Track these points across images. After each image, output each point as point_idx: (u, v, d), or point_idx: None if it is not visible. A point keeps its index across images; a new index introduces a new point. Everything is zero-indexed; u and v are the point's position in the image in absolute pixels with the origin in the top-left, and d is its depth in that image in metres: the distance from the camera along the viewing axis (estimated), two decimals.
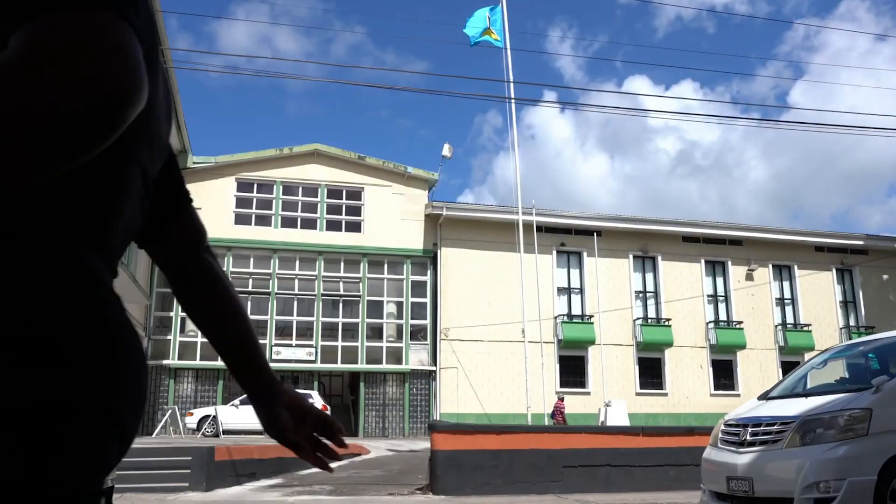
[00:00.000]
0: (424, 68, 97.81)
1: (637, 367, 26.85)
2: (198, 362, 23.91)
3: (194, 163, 25.01)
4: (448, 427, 9.18)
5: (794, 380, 6.62)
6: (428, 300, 26.00)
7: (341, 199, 26.49)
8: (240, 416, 20.68)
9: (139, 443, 11.19)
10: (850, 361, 6.88)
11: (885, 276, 30.35)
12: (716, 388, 27.37)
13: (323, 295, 25.29)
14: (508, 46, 19.77)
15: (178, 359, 23.86)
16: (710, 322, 27.97)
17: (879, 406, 5.22)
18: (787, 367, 28.53)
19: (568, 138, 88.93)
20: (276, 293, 24.96)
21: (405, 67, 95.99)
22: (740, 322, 28.05)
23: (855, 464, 5.06)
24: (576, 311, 26.83)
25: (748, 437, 5.69)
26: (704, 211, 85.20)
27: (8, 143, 0.57)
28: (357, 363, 25.10)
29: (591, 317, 26.37)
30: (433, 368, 25.30)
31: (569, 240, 27.14)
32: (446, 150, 27.36)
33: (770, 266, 29.20)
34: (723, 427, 6.12)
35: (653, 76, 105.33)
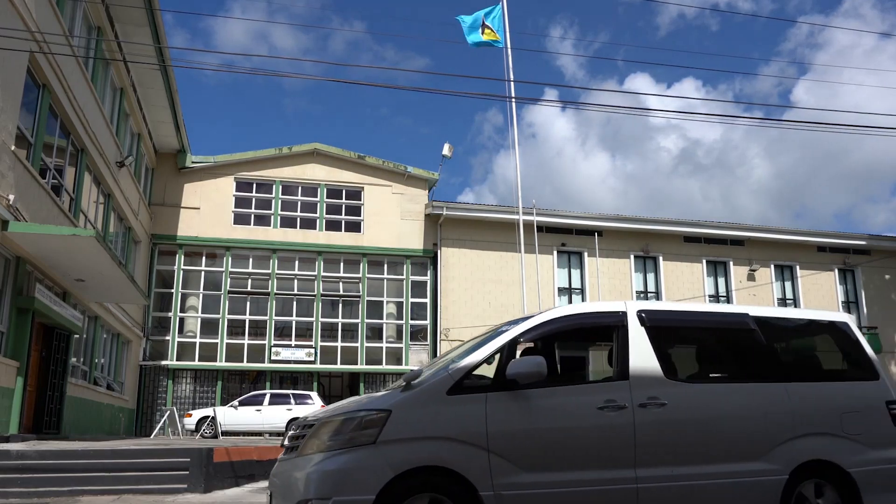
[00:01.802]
0: (424, 65, 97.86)
1: None
2: (196, 363, 23.82)
3: (193, 162, 24.93)
4: None
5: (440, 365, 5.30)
6: (428, 300, 25.91)
7: (341, 198, 26.41)
8: (239, 417, 20.60)
9: (137, 444, 11.08)
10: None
11: (887, 277, 30.28)
12: None
13: (322, 295, 25.20)
14: (509, 45, 19.67)
15: (177, 359, 23.76)
16: None
17: (403, 408, 4.46)
18: None
19: (569, 137, 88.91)
20: (276, 293, 24.87)
21: (405, 64, 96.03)
22: None
23: (347, 479, 4.21)
24: None
25: (294, 443, 4.80)
26: (706, 210, 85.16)
27: None
28: (357, 364, 25.00)
29: None
30: None
31: (569, 240, 27.06)
32: (446, 150, 27.27)
33: (772, 266, 29.13)
34: (292, 429, 4.96)
35: (654, 74, 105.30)
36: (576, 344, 6.08)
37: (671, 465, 4.81)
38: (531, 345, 5.91)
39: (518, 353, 5.38)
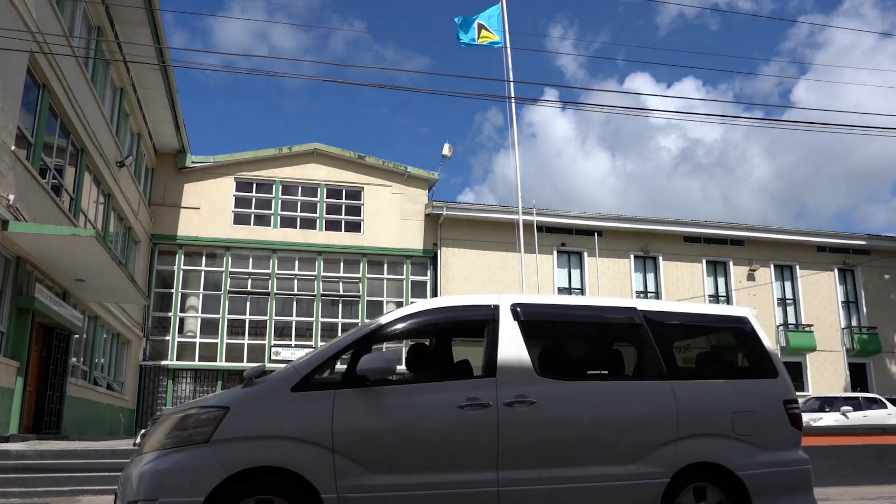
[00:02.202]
0: (424, 65, 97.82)
1: None
2: (196, 363, 23.84)
3: (193, 162, 24.95)
4: None
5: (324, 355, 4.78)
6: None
7: (341, 198, 26.42)
8: None
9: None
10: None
11: (886, 277, 30.29)
12: None
13: (322, 295, 25.21)
14: (509, 45, 19.67)
15: (177, 359, 23.78)
16: None
17: (242, 405, 4.24)
18: (789, 368, 28.15)
19: (569, 137, 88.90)
20: (276, 293, 24.88)
21: (405, 64, 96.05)
22: None
23: (176, 480, 3.97)
24: None
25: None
26: (706, 210, 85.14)
27: None
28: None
29: None
30: None
31: (569, 240, 27.07)
32: (446, 150, 27.28)
33: (771, 266, 29.14)
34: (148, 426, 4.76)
35: (655, 74, 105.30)
36: (448, 339, 5.75)
37: (538, 468, 4.56)
38: (425, 341, 5.76)
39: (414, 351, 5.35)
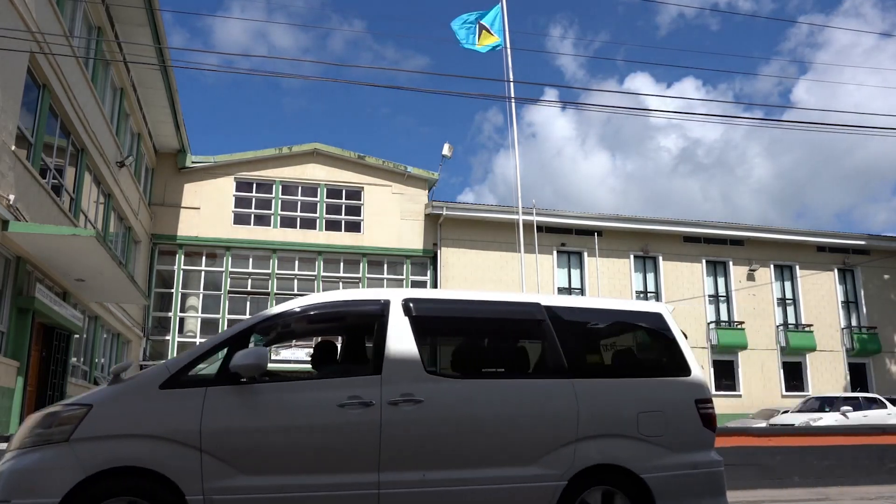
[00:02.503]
0: (424, 64, 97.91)
1: None
2: None
3: (193, 162, 24.96)
4: None
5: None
6: None
7: (341, 198, 26.43)
8: None
9: None
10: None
11: (886, 277, 30.30)
12: (717, 388, 27.27)
13: None
14: (509, 45, 19.66)
15: None
16: (712, 322, 27.90)
17: (106, 403, 4.08)
18: (789, 368, 28.50)
19: (569, 136, 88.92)
20: (276, 293, 24.88)
21: (405, 63, 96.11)
22: (741, 322, 27.98)
23: (32, 480, 3.82)
24: None
25: None
26: (706, 210, 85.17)
27: None
28: None
29: None
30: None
31: (569, 240, 27.08)
32: (446, 150, 27.29)
33: (771, 266, 29.15)
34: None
35: (655, 74, 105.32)
36: (339, 334, 5.46)
37: (423, 470, 4.35)
38: (340, 338, 5.52)
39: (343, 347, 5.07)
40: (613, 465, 4.70)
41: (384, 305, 4.77)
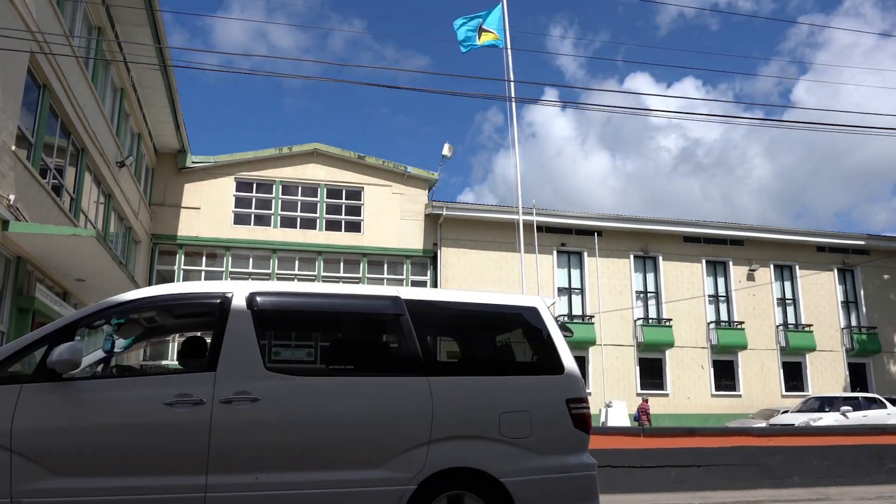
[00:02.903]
0: (425, 64, 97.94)
1: (638, 368, 26.79)
2: None
3: (193, 162, 24.96)
4: None
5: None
6: None
7: (341, 198, 26.44)
8: None
9: None
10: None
11: (886, 276, 30.30)
12: (717, 388, 27.31)
13: None
14: (509, 45, 19.66)
15: (177, 360, 23.80)
16: (711, 322, 27.91)
17: None
18: (789, 368, 28.51)
19: (569, 136, 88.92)
20: None
21: (405, 63, 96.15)
22: (741, 322, 27.99)
23: None
24: (576, 311, 26.77)
25: None
26: (706, 210, 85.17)
27: None
28: None
29: (591, 317, 26.32)
30: None
31: (569, 240, 27.09)
32: (446, 150, 27.30)
33: (771, 266, 29.16)
34: None
35: (655, 74, 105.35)
36: (181, 330, 5.22)
37: (257, 472, 4.13)
38: (198, 334, 5.26)
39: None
40: (470, 468, 4.45)
41: (226, 299, 4.53)
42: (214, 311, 4.54)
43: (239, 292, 4.58)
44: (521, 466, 4.52)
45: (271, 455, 4.19)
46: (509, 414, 4.61)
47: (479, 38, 19.51)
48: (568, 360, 5.00)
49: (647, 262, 28.08)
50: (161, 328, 5.45)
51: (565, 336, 5.20)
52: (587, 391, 25.68)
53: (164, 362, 23.04)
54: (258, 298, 4.58)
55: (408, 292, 4.96)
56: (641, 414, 22.82)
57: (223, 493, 4.06)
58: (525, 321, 5.16)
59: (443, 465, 4.39)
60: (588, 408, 4.94)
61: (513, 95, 19.34)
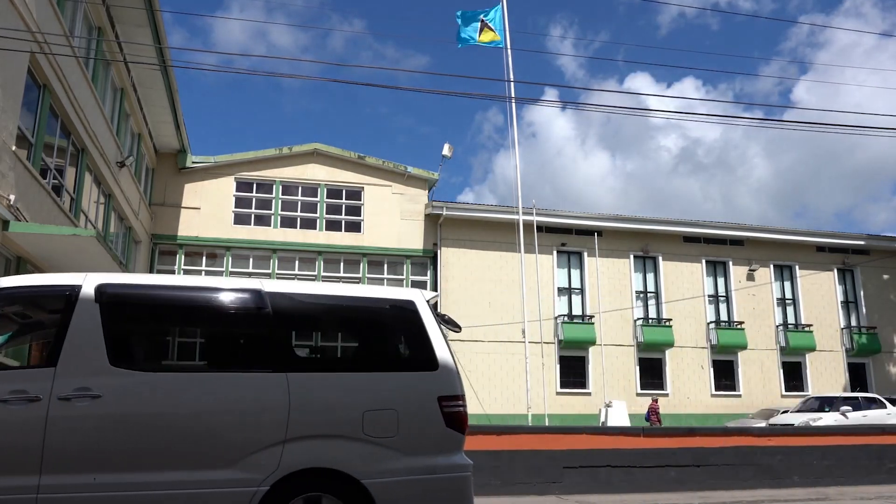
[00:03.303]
0: (425, 63, 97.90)
1: (638, 368, 26.80)
2: None
3: (193, 163, 24.97)
4: None
5: None
6: None
7: (341, 198, 26.45)
8: None
9: None
10: None
11: (885, 277, 30.31)
12: (717, 388, 27.32)
13: None
14: (509, 45, 19.70)
15: None
16: (711, 322, 27.91)
17: None
18: (789, 368, 28.51)
19: (569, 136, 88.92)
20: None
21: (405, 62, 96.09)
22: (741, 322, 28.00)
23: None
24: (576, 311, 26.78)
25: None
26: (706, 210, 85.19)
27: None
28: None
29: (591, 317, 26.32)
30: None
31: (569, 240, 27.09)
32: (446, 150, 27.32)
33: (771, 266, 29.16)
34: None
35: (655, 74, 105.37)
36: (30, 325, 5.07)
37: (95, 472, 3.95)
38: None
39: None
40: (329, 469, 4.28)
41: (73, 291, 4.33)
42: (61, 304, 4.32)
43: (88, 284, 4.38)
44: (385, 467, 4.36)
45: (111, 455, 4.03)
46: (374, 412, 4.44)
47: (479, 35, 19.54)
48: (443, 356, 4.76)
49: (647, 262, 28.08)
50: (12, 323, 5.23)
51: (453, 331, 5.09)
52: (586, 391, 25.74)
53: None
54: (108, 290, 4.38)
55: (272, 285, 4.77)
56: (651, 414, 22.78)
57: (56, 494, 3.90)
58: (398, 315, 4.93)
59: (299, 466, 4.23)
60: (463, 406, 4.72)
61: (513, 95, 19.36)
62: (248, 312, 4.66)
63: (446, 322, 5.29)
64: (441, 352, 4.77)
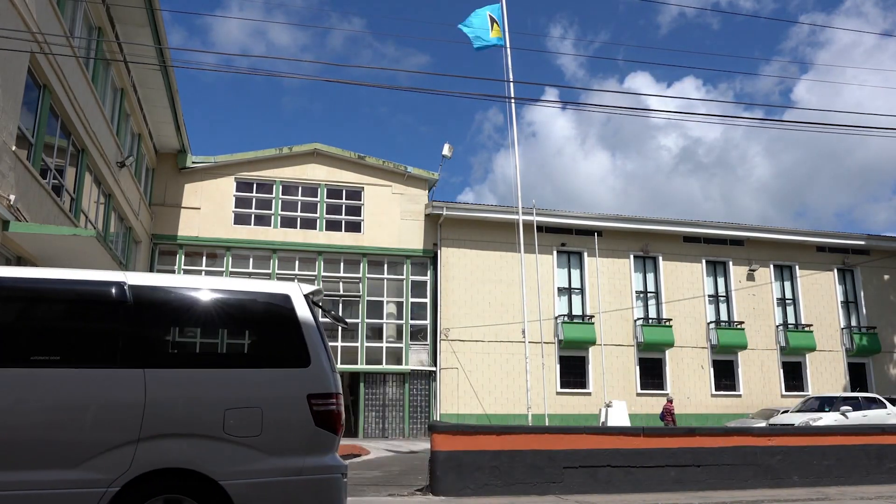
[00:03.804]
0: (425, 62, 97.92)
1: (638, 368, 26.80)
2: None
3: (193, 163, 24.98)
4: (448, 428, 9.11)
5: None
6: (428, 300, 25.95)
7: (341, 198, 26.46)
8: None
9: None
10: None
11: (886, 277, 30.31)
12: (717, 388, 27.32)
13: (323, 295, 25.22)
14: (509, 45, 19.69)
15: None
16: (711, 322, 27.91)
17: None
18: (789, 368, 28.52)
19: (569, 136, 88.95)
20: None
21: (405, 60, 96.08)
22: (741, 322, 28.00)
23: None
24: (576, 311, 26.78)
25: None
26: (707, 209, 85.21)
27: None
28: (357, 363, 25.04)
29: (591, 317, 26.32)
30: (433, 369, 25.25)
31: (569, 240, 27.09)
32: (446, 150, 27.32)
33: (771, 266, 29.17)
34: None
35: (655, 73, 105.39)
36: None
37: None
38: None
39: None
40: (187, 469, 4.08)
41: None
42: None
43: None
44: (246, 468, 4.18)
45: None
46: (236, 410, 4.26)
47: (490, 31, 19.56)
48: (317, 353, 4.57)
49: (647, 262, 28.08)
50: None
51: (341, 326, 5.01)
52: (587, 391, 25.73)
53: None
54: None
55: (137, 278, 4.58)
56: (666, 414, 22.66)
57: None
58: (271, 310, 4.74)
59: (154, 466, 4.04)
60: (335, 404, 4.51)
61: (512, 95, 19.36)
62: (107, 306, 4.43)
63: (334, 318, 5.15)
64: (315, 348, 4.58)
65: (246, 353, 4.82)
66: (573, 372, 26.20)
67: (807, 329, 28.63)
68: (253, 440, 4.23)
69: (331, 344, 21.46)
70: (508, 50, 19.58)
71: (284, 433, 4.33)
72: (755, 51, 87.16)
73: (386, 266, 26.19)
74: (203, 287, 4.79)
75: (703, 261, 28.51)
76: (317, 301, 5.12)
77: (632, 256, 27.73)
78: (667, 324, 27.18)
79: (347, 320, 25.14)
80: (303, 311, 4.72)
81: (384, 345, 25.54)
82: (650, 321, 27.25)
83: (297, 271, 25.42)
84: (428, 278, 26.19)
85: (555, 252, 26.86)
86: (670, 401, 23.44)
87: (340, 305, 25.54)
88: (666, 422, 22.34)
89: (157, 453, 4.05)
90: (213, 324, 4.77)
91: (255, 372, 4.49)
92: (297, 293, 4.80)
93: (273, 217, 25.65)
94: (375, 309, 25.73)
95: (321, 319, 5.03)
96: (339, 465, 4.49)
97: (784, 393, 27.79)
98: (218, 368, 4.48)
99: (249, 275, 25.05)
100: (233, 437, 4.20)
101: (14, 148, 11.45)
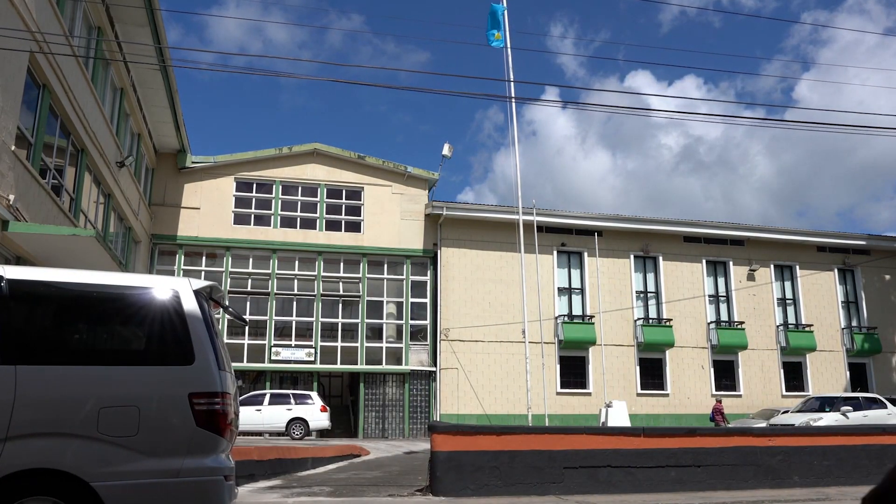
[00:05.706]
0: (425, 59, 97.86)
1: (638, 368, 26.79)
2: None
3: (193, 162, 24.97)
4: (448, 428, 9.09)
5: None
6: (428, 300, 25.94)
7: (341, 198, 26.45)
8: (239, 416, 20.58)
9: None
10: None
11: (886, 277, 30.29)
12: (717, 388, 27.30)
13: (322, 295, 25.23)
14: (509, 44, 19.69)
15: None
16: (712, 322, 27.90)
17: None
18: (789, 368, 28.51)
19: (569, 135, 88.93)
20: (276, 293, 24.89)
21: (405, 58, 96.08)
22: (742, 322, 27.99)
23: None
24: (576, 311, 26.77)
25: None
26: (708, 209, 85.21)
27: None
28: (357, 364, 25.04)
29: (591, 317, 26.31)
30: (433, 369, 25.24)
31: (569, 240, 27.08)
32: (446, 150, 27.31)
33: (771, 266, 29.15)
34: None
35: (656, 72, 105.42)
36: None
37: None
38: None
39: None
40: (56, 470, 3.93)
41: None
42: None
43: None
44: (119, 469, 4.04)
45: None
46: (112, 409, 4.12)
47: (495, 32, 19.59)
48: (203, 350, 4.41)
49: (647, 262, 28.07)
50: None
51: (240, 324, 4.89)
52: (587, 391, 25.72)
53: None
54: None
55: (14, 271, 4.40)
56: (716, 414, 22.55)
57: None
58: (157, 306, 4.55)
59: (21, 467, 3.88)
60: (220, 404, 4.37)
61: (513, 95, 19.34)
62: None
63: (233, 315, 5.06)
64: (200, 345, 4.42)
65: (127, 350, 4.64)
66: (573, 372, 26.20)
67: (807, 329, 28.62)
68: (128, 440, 4.10)
69: (330, 344, 21.35)
70: (509, 49, 19.58)
71: (163, 433, 4.20)
72: (757, 49, 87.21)
73: (386, 266, 26.19)
74: (86, 281, 4.60)
75: (704, 261, 28.50)
76: (214, 297, 4.98)
77: (632, 256, 27.72)
78: (667, 324, 27.17)
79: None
80: (191, 306, 4.55)
81: (384, 345, 25.54)
82: (650, 321, 27.24)
83: (296, 271, 25.41)
84: (428, 278, 26.18)
85: (555, 252, 26.85)
86: (719, 401, 23.40)
87: (340, 306, 25.54)
88: (716, 422, 22.23)
89: (26, 454, 3.91)
90: (94, 320, 4.63)
91: (134, 369, 4.36)
92: (185, 288, 4.64)
93: (273, 217, 25.64)
94: (375, 309, 25.72)
95: (216, 316, 4.84)
96: (222, 468, 4.35)
97: (784, 393, 27.78)
98: (95, 366, 4.31)
99: (249, 275, 25.05)
100: (107, 436, 4.07)
101: (13, 148, 11.44)
